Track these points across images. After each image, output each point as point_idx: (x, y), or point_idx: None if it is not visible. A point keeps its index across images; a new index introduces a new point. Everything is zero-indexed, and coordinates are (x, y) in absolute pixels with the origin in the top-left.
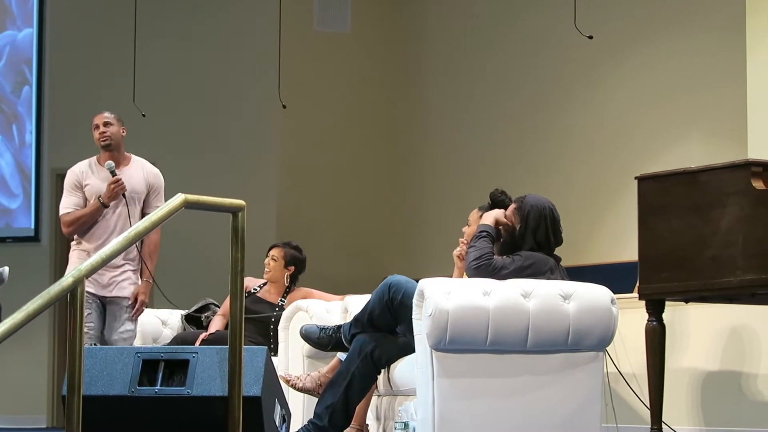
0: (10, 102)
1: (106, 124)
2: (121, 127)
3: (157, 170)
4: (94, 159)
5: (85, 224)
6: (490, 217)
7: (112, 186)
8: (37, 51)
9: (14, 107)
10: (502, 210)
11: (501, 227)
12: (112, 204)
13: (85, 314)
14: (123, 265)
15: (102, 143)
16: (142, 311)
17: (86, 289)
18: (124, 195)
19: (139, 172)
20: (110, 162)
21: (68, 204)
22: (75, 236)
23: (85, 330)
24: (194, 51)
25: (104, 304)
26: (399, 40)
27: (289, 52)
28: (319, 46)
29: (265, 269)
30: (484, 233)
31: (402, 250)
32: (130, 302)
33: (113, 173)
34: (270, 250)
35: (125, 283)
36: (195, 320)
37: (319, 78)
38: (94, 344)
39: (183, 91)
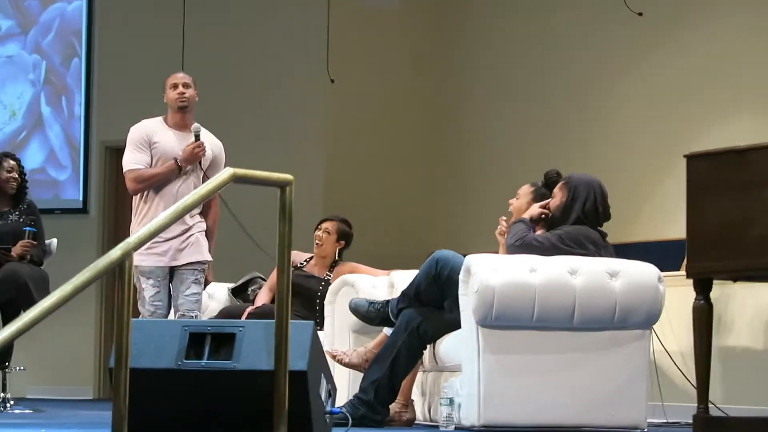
0: (59, 74)
1: (186, 85)
2: (195, 90)
3: (220, 143)
4: (161, 119)
5: (157, 184)
6: (527, 213)
7: (196, 150)
8: (86, 23)
9: (63, 79)
10: (540, 205)
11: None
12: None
13: (153, 293)
14: (190, 229)
15: (180, 104)
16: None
17: (153, 264)
18: (200, 162)
19: (206, 140)
20: (197, 125)
21: (137, 160)
22: (140, 209)
23: (152, 309)
24: (243, 25)
25: (172, 274)
26: (446, 17)
27: (337, 27)
28: (367, 21)
29: (316, 242)
30: (520, 222)
31: (447, 226)
32: (202, 267)
33: (197, 137)
34: (322, 222)
35: (197, 247)
36: (241, 293)
37: (367, 53)
38: None
39: (232, 65)
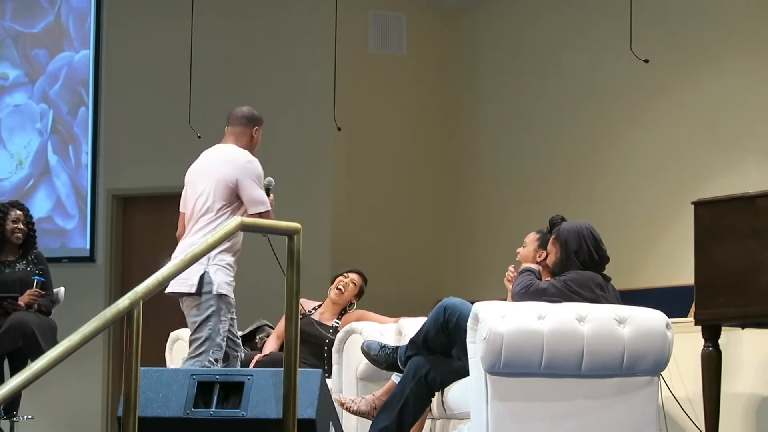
0: (66, 123)
1: None
2: None
3: None
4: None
5: None
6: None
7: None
8: (93, 72)
9: (70, 128)
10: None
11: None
12: None
13: (227, 327)
14: None
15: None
16: None
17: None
18: None
19: None
20: (272, 179)
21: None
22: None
23: (224, 344)
24: (250, 74)
25: None
26: (453, 63)
27: (344, 74)
28: (374, 68)
29: (339, 287)
30: (527, 271)
31: (456, 272)
32: None
33: (269, 191)
34: (350, 272)
35: None
36: (249, 341)
37: (374, 100)
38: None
39: None
